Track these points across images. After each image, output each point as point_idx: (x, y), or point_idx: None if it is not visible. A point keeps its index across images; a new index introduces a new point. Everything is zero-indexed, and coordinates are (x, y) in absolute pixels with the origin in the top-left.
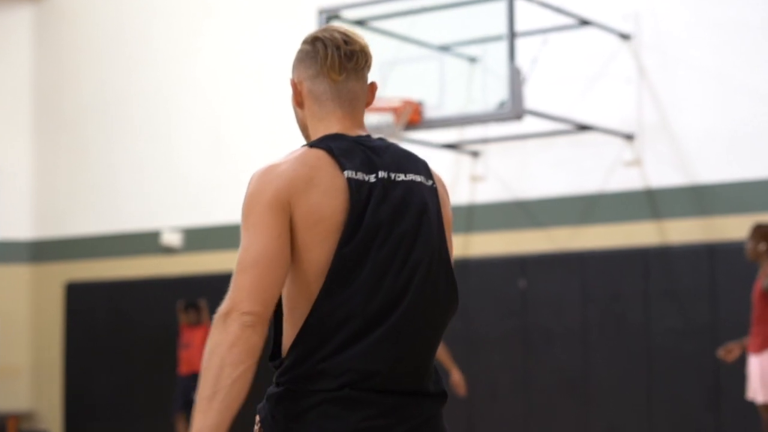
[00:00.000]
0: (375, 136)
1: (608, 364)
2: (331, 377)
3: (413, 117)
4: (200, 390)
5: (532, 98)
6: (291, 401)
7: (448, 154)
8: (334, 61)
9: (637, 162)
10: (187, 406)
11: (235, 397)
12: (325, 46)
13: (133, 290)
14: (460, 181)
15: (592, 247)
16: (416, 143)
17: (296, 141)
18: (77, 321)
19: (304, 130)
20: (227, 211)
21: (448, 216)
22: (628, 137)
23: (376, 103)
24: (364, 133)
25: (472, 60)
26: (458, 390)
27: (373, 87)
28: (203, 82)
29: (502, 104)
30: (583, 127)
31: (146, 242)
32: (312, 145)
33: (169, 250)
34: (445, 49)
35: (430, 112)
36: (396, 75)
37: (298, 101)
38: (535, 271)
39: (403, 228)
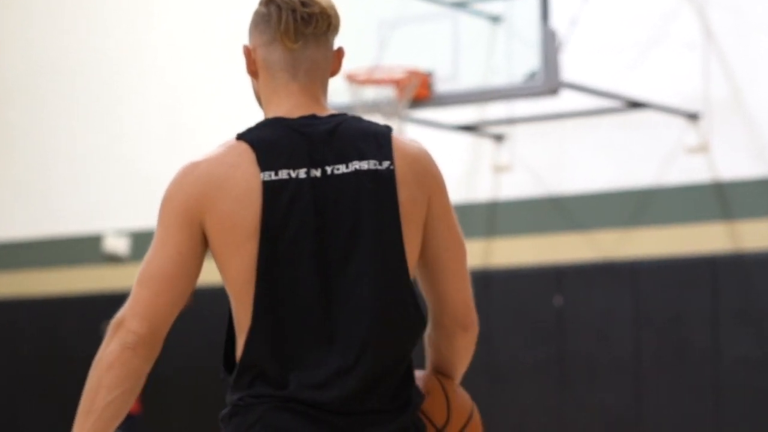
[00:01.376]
0: (368, 116)
1: (666, 403)
2: (274, 395)
3: (420, 91)
4: (81, 402)
5: (570, 68)
6: (238, 420)
7: (465, 139)
8: (288, 26)
9: (702, 148)
10: None
11: (109, 419)
12: (279, 9)
13: (68, 308)
14: (480, 171)
15: (645, 255)
16: (424, 124)
17: None
18: None
19: (259, 102)
20: None
21: (416, 203)
22: (692, 117)
23: (375, 74)
24: (319, 111)
25: (495, 20)
26: None
27: (339, 54)
28: (159, 54)
29: (532, 75)
30: (634, 105)
31: (85, 249)
32: (240, 135)
33: (113, 259)
34: (460, 5)
35: (442, 86)
36: (399, 38)
37: (252, 70)
38: (573, 286)
39: (335, 234)
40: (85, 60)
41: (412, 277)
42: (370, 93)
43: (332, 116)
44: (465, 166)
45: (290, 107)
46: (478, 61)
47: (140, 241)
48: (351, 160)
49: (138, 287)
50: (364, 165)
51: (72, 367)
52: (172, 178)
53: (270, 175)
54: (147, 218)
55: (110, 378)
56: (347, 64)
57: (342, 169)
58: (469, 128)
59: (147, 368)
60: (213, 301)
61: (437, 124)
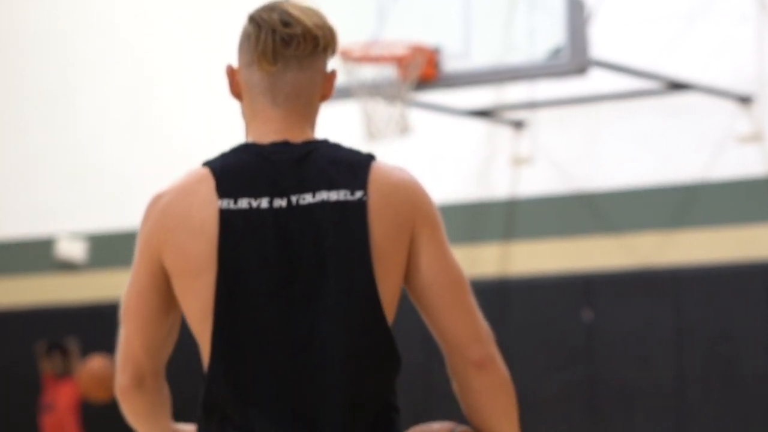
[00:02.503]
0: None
1: None
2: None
3: (426, 71)
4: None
5: (600, 44)
6: None
7: (478, 126)
8: (267, 48)
9: (756, 136)
10: None
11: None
12: (259, 28)
13: (16, 322)
14: (496, 164)
15: (689, 262)
16: (431, 109)
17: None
18: None
19: (245, 124)
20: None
21: (392, 238)
22: (744, 100)
23: (373, 50)
24: (296, 138)
25: None
26: None
27: (331, 77)
28: (120, 27)
29: (557, 52)
30: (676, 86)
31: (35, 255)
32: (206, 162)
33: (67, 266)
34: None
35: (452, 64)
36: (400, 9)
37: (236, 92)
38: (605, 298)
39: (299, 269)
40: (33, 35)
41: (391, 312)
42: (368, 72)
43: (307, 143)
44: (478, 157)
45: (265, 132)
46: (494, 36)
47: (98, 245)
48: (319, 189)
49: (123, 325)
50: (333, 195)
51: (16, 390)
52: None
53: (228, 204)
54: (106, 219)
55: (133, 415)
56: (341, 39)
57: (308, 199)
58: (483, 114)
59: (159, 397)
60: None
61: (446, 109)
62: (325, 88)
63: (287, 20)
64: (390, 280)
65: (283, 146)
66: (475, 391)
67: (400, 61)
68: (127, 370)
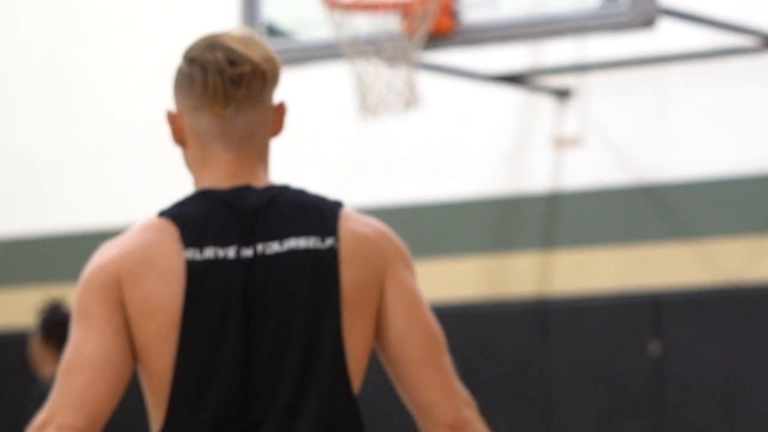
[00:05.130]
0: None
1: None
2: None
3: (441, 23)
4: None
5: None
6: None
7: (509, 96)
8: (216, 91)
9: None
10: None
11: None
12: (204, 70)
13: None
14: (533, 146)
15: None
16: (447, 73)
17: None
18: None
19: (191, 172)
20: (73, 209)
21: (364, 289)
22: None
23: None
24: (256, 182)
25: None
26: None
27: (280, 110)
28: None
29: None
30: None
31: None
32: (161, 212)
33: None
34: None
35: (474, 14)
36: None
37: (179, 139)
38: (679, 324)
39: (264, 323)
40: None
41: (358, 374)
42: (363, 25)
43: (270, 188)
44: (509, 138)
45: (222, 178)
46: None
47: (8, 252)
48: (286, 237)
49: (64, 378)
50: (302, 243)
51: None
52: (89, 263)
53: (194, 254)
54: (16, 221)
55: None
56: None
57: (275, 247)
58: (516, 80)
59: None
60: None
61: (466, 73)
62: (275, 123)
63: (233, 59)
64: (358, 336)
65: (245, 191)
66: None
67: (406, 10)
68: (81, 412)
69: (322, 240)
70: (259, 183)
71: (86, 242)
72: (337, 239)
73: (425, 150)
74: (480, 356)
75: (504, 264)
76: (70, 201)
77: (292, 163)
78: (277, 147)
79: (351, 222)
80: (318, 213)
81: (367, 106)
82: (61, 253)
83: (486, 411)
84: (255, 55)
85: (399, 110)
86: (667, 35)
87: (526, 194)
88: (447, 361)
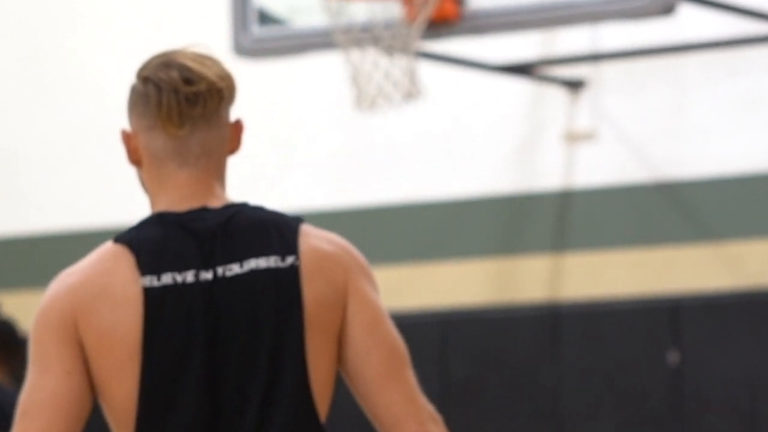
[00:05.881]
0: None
1: None
2: None
3: (444, 9)
4: None
5: None
6: None
7: (518, 87)
8: (171, 110)
9: None
10: None
11: None
12: (159, 89)
13: None
14: (544, 140)
15: None
16: (451, 63)
17: None
18: None
19: (147, 193)
20: (44, 207)
21: (326, 305)
22: None
23: None
24: (212, 203)
25: None
26: None
27: (237, 128)
28: None
29: None
30: None
31: None
32: (116, 238)
33: None
34: None
35: (480, 0)
36: None
37: (134, 159)
38: (699, 331)
39: (228, 348)
40: None
41: (326, 393)
42: (360, 12)
43: (227, 207)
44: (518, 131)
45: (177, 199)
46: None
47: None
48: (246, 258)
49: (22, 421)
50: (262, 263)
51: None
52: (44, 296)
53: (152, 281)
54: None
55: None
56: None
57: (236, 269)
58: (524, 70)
59: None
60: None
61: (472, 63)
62: (233, 141)
63: (188, 77)
64: (323, 355)
65: (201, 212)
66: None
67: None
68: None
69: (283, 259)
70: (216, 202)
71: (69, 243)
72: (297, 257)
73: (427, 145)
74: (487, 367)
75: (512, 267)
76: (53, 200)
77: (281, 161)
78: (265, 144)
79: (311, 238)
80: (277, 231)
81: (364, 98)
82: (27, 268)
83: (494, 425)
84: (211, 73)
85: (398, 103)
86: (687, 22)
87: (536, 192)
88: (410, 376)
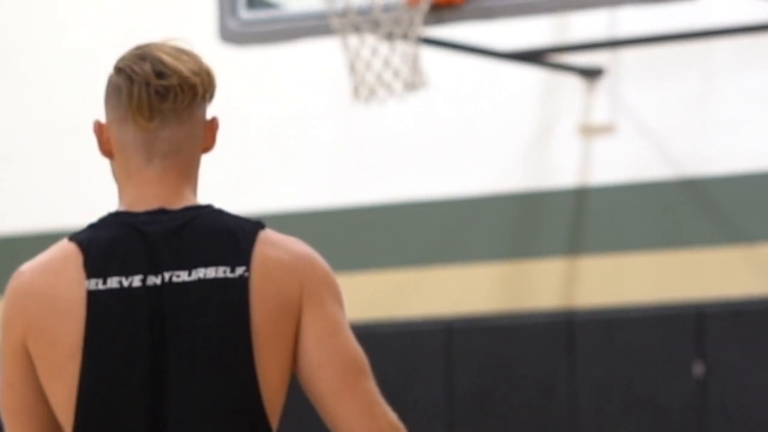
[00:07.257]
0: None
1: None
2: None
3: None
4: None
5: None
6: None
7: (529, 75)
8: (141, 102)
9: None
10: None
11: None
12: (130, 81)
13: None
14: (558, 135)
15: None
16: (456, 50)
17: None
18: None
19: (117, 185)
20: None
21: (277, 319)
22: None
23: None
24: (173, 204)
25: None
26: None
27: (212, 126)
28: None
29: None
30: None
31: None
32: (72, 236)
33: None
34: None
35: None
36: None
37: (106, 150)
38: (726, 341)
39: (170, 356)
40: None
41: (275, 406)
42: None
43: (186, 210)
44: (530, 124)
45: (140, 197)
46: None
47: None
48: (196, 266)
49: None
50: (211, 272)
51: None
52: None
53: (97, 284)
54: None
55: None
56: None
57: (183, 276)
58: (537, 57)
59: None
60: None
61: (480, 50)
62: (206, 139)
63: (161, 70)
64: (274, 368)
65: (158, 215)
66: None
67: None
68: None
69: (233, 269)
70: (178, 203)
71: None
72: (248, 268)
73: (430, 139)
74: (498, 378)
75: (523, 272)
76: (14, 198)
77: (275, 157)
78: (256, 138)
79: (267, 247)
80: (232, 239)
81: (363, 88)
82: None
83: None
84: (185, 68)
85: (399, 93)
86: (714, 5)
87: (549, 190)
88: (368, 387)
